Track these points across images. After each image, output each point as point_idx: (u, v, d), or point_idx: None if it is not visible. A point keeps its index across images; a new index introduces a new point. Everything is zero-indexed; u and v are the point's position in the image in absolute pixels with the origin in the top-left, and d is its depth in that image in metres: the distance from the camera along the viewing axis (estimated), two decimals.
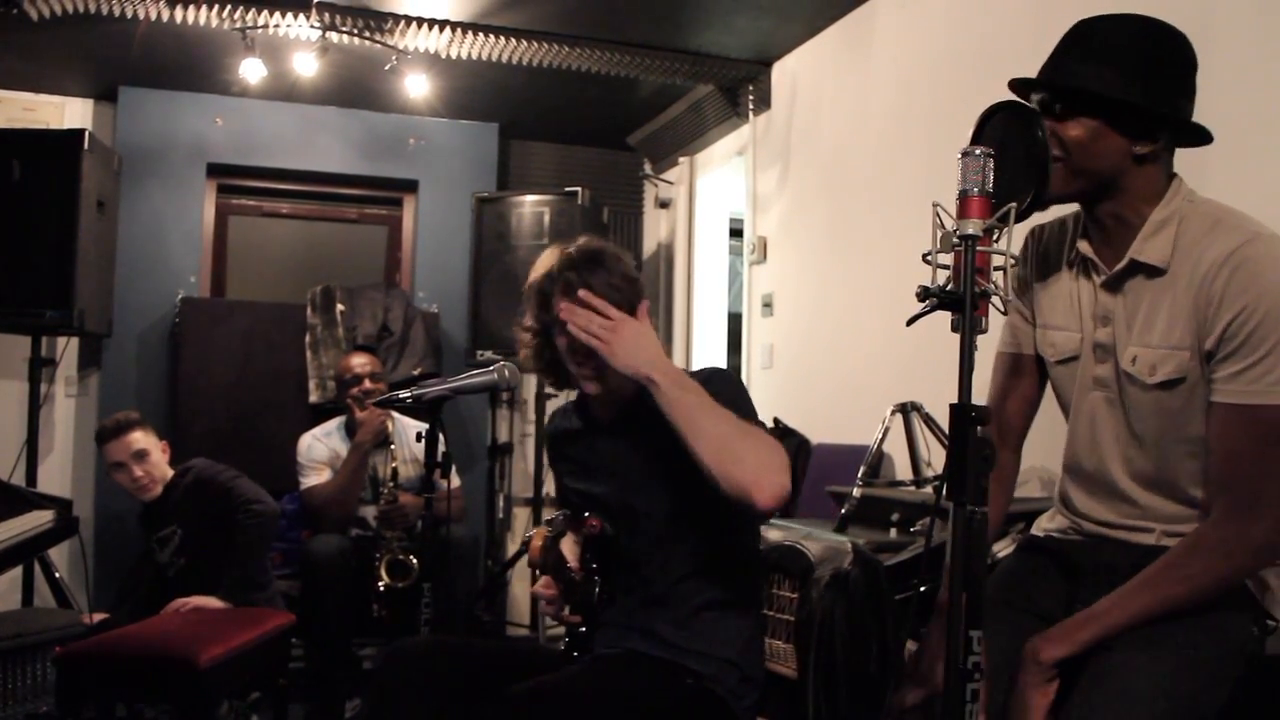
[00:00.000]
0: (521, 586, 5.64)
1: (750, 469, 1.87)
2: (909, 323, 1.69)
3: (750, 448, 1.91)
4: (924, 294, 1.63)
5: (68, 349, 5.50)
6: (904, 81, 4.10)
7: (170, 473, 3.99)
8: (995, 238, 1.65)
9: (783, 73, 4.99)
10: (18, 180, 4.64)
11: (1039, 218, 1.87)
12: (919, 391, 3.59)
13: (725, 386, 2.04)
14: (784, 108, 4.96)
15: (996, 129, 1.80)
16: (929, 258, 1.66)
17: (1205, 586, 1.71)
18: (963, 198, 1.61)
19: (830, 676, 2.10)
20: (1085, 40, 1.86)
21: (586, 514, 2.17)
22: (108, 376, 5.47)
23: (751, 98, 5.13)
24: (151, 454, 3.94)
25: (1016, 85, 1.92)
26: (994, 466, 1.55)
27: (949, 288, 1.62)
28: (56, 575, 4.78)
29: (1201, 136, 1.87)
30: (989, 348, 1.97)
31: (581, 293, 2.04)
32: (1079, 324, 1.92)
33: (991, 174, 1.60)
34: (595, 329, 1.99)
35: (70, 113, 5.67)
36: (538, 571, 1.97)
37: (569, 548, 2.02)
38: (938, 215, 1.65)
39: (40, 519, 3.50)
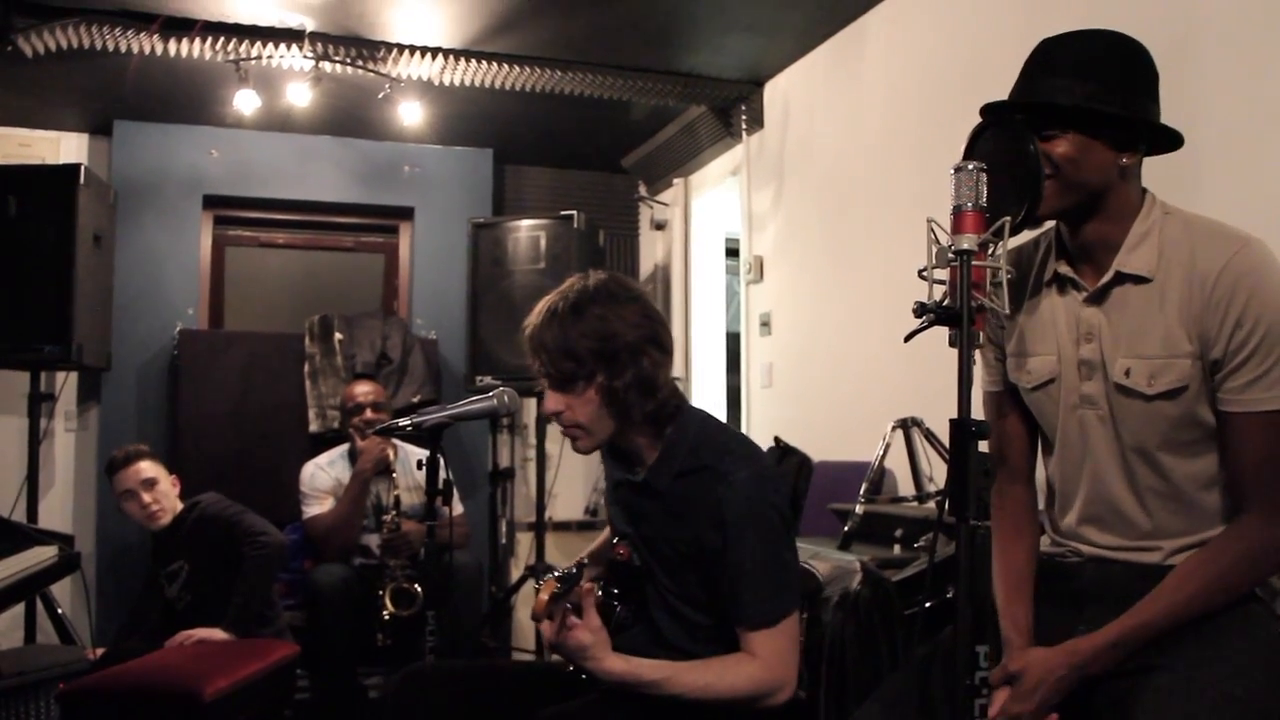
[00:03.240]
0: (526, 611, 5.62)
1: (742, 697, 1.98)
2: (907, 339, 1.70)
3: (733, 685, 1.98)
4: (920, 310, 1.64)
5: (66, 384, 5.50)
6: (895, 98, 4.12)
7: (179, 505, 4.01)
8: (990, 251, 1.66)
9: (775, 91, 5.01)
10: (14, 216, 4.65)
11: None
12: (919, 407, 3.59)
13: (753, 542, 2.02)
14: (777, 127, 4.97)
15: (988, 144, 1.81)
16: (924, 273, 1.67)
17: (1235, 587, 1.72)
18: (957, 213, 1.62)
19: (841, 696, 2.10)
20: (1056, 58, 1.87)
21: (616, 540, 2.18)
22: (107, 410, 5.46)
23: (744, 117, 5.15)
24: (160, 483, 3.97)
25: (993, 109, 1.91)
26: (994, 482, 1.55)
27: (945, 303, 1.63)
28: (59, 611, 4.76)
29: (1174, 141, 1.89)
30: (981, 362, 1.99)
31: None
32: (1056, 346, 1.91)
33: (985, 189, 1.61)
34: (548, 643, 2.02)
35: (65, 148, 5.69)
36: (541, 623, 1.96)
37: (589, 588, 2.00)
38: (932, 231, 1.66)
39: (42, 555, 3.49)
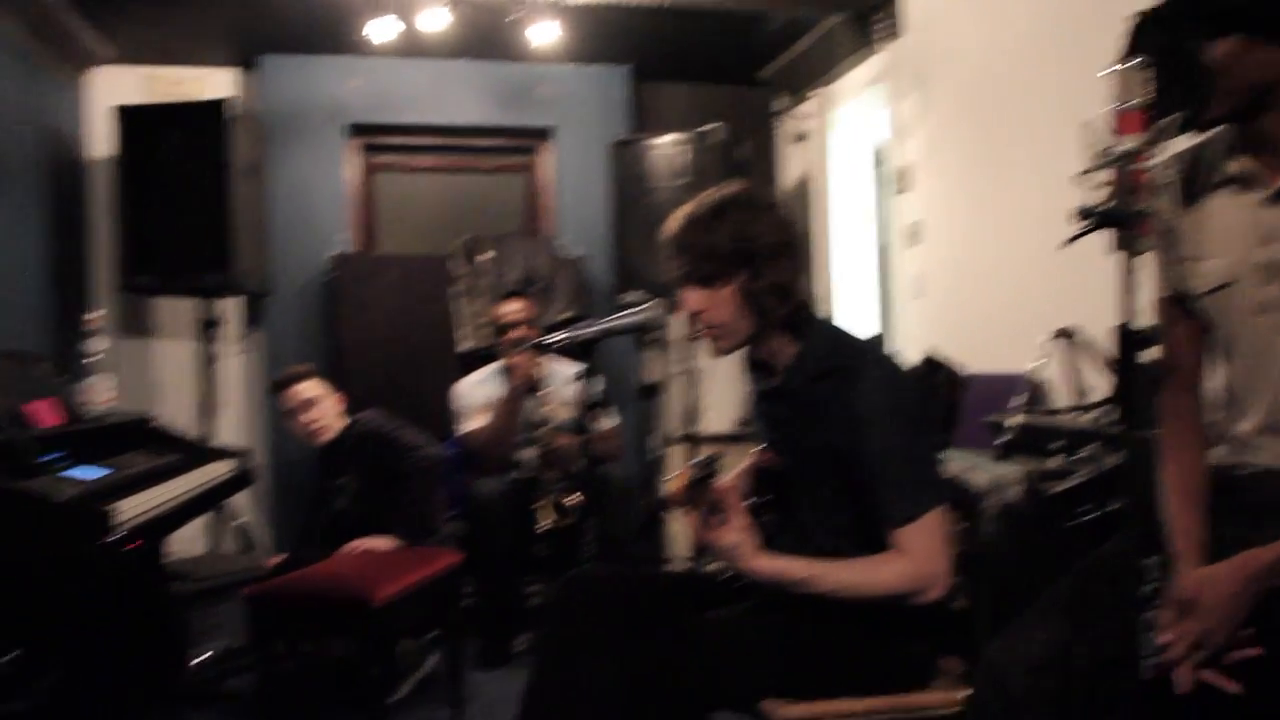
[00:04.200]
0: (679, 525, 5.72)
1: (892, 594, 2.01)
2: (1066, 244, 1.67)
3: (882, 581, 2.02)
4: (1082, 214, 1.61)
5: (232, 309, 5.75)
6: None
7: (342, 422, 4.18)
8: (1155, 152, 1.61)
9: None
10: (174, 152, 4.86)
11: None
12: (1078, 315, 3.51)
13: (891, 433, 2.04)
14: (919, 31, 4.84)
15: (1148, 41, 1.74)
16: (1084, 176, 1.64)
17: None
18: (1118, 112, 1.58)
19: (999, 609, 2.10)
20: None
21: (763, 447, 2.22)
22: (271, 333, 5.70)
23: (884, 24, 5.02)
24: (322, 401, 4.13)
25: (1144, 19, 1.83)
26: (1161, 390, 1.52)
27: (1108, 206, 1.60)
28: (239, 521, 5.05)
29: None
30: (1148, 268, 1.93)
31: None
32: (1232, 248, 1.82)
33: (1149, 86, 1.56)
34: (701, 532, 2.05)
35: (215, 84, 5.85)
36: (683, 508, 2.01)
37: (731, 484, 2.05)
38: (1089, 134, 1.62)
39: (220, 469, 3.68)
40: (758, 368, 2.29)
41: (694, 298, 2.15)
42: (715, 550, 2.03)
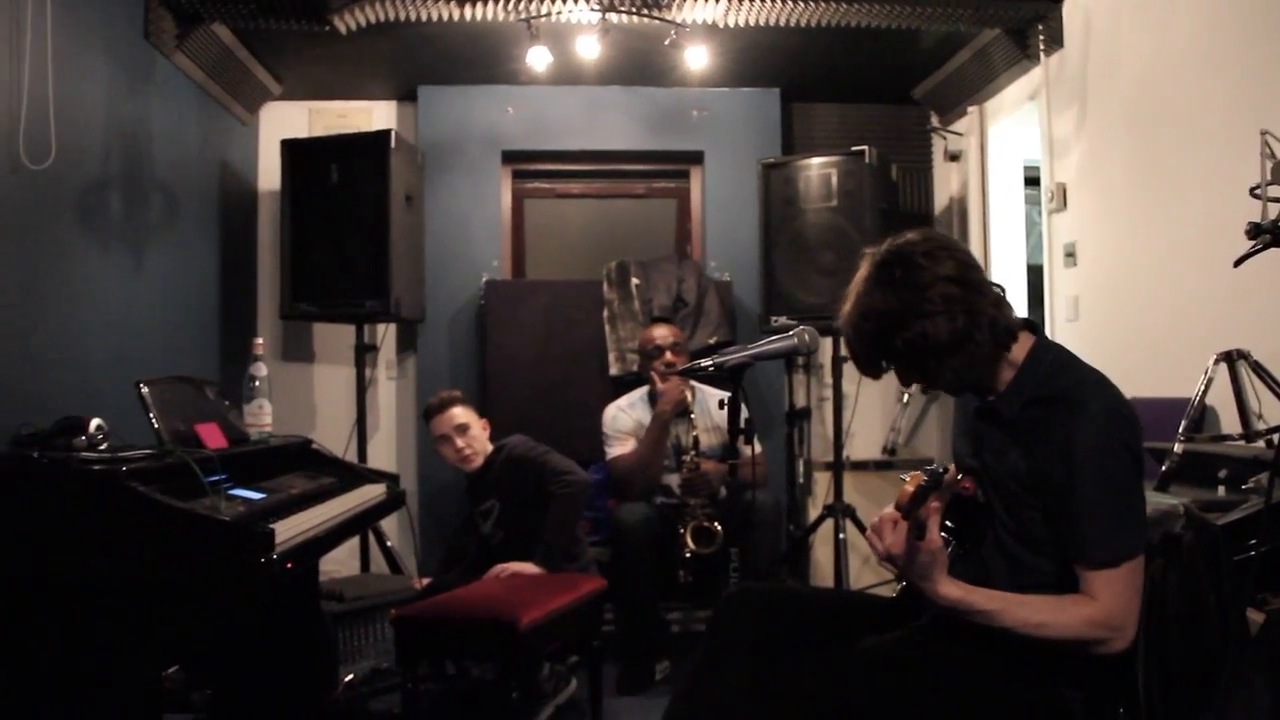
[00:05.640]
0: (824, 550, 5.63)
1: (1076, 638, 1.93)
2: (1238, 263, 1.58)
3: (1068, 624, 1.93)
4: (1254, 231, 1.52)
5: (387, 335, 5.90)
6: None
7: (490, 447, 4.24)
8: None
9: (1075, 6, 4.71)
10: (335, 183, 5.01)
11: None
12: (1244, 338, 3.32)
13: (1100, 477, 1.96)
14: (1078, 44, 4.68)
15: None
16: (1257, 192, 1.54)
17: None
18: None
19: (1163, 649, 1.98)
20: None
21: (961, 475, 2.15)
22: (423, 358, 5.82)
23: (1042, 38, 4.87)
24: (472, 428, 4.21)
25: None
26: None
27: None
28: (388, 544, 5.16)
29: None
30: None
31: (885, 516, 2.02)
32: None
33: None
34: (886, 551, 1.99)
35: (377, 115, 6.06)
36: (900, 516, 1.94)
37: (933, 517, 1.98)
38: (1266, 144, 1.52)
39: (374, 492, 3.74)
40: (973, 386, 2.23)
41: (921, 385, 2.15)
42: (905, 566, 1.97)
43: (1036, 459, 2.03)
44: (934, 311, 2.00)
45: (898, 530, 1.96)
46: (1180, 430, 3.13)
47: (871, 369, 2.13)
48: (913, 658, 2.08)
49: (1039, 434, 2.03)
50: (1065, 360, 2.14)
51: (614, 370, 5.39)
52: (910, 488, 1.88)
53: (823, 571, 5.75)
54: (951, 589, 1.96)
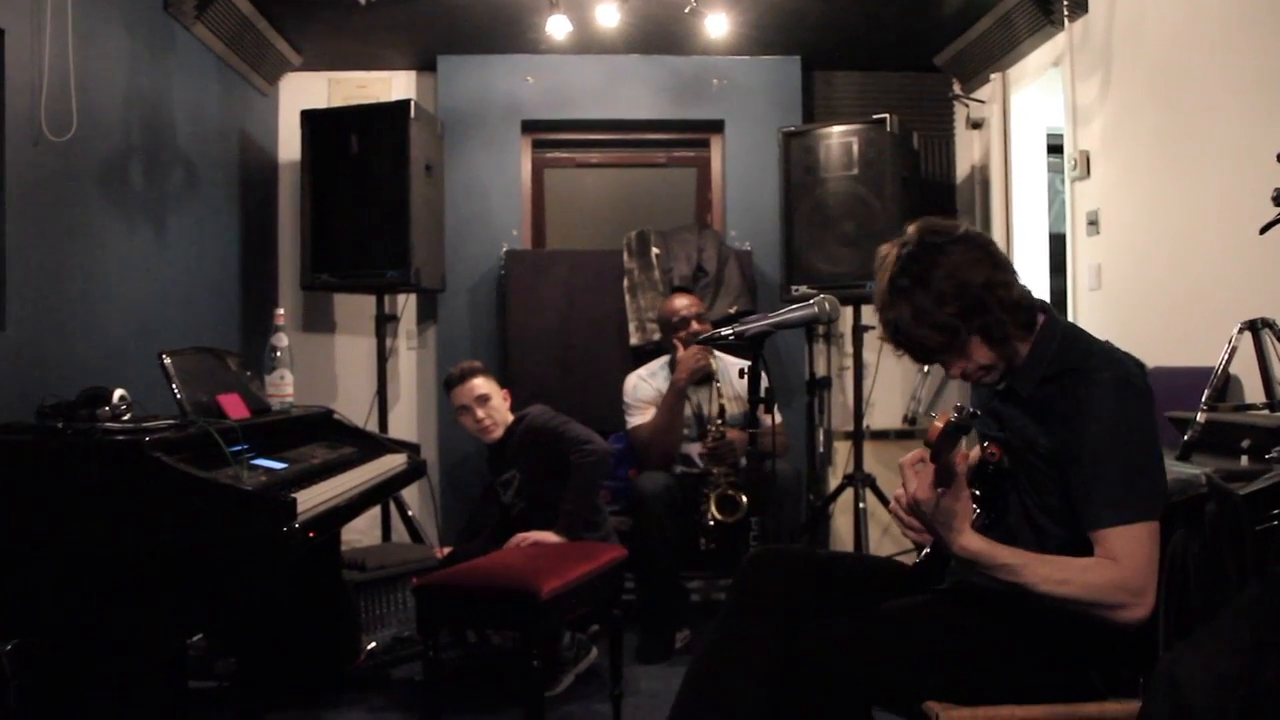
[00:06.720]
0: (844, 519, 5.64)
1: (1096, 600, 1.92)
2: (1263, 230, 1.56)
3: (1089, 583, 1.92)
4: None
5: (407, 305, 5.91)
6: None
7: (510, 418, 4.25)
8: None
9: None
10: (355, 153, 5.01)
11: None
12: (1269, 307, 3.29)
13: (1111, 437, 1.98)
14: (1102, 9, 4.62)
15: None
16: None
17: None
18: None
19: (1183, 618, 1.97)
20: None
21: (988, 442, 2.16)
22: (444, 329, 5.83)
23: (1066, 3, 4.80)
24: (493, 399, 4.22)
25: None
26: None
27: None
28: (409, 513, 5.19)
29: None
30: None
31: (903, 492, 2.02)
32: None
33: None
34: (911, 497, 1.99)
35: (396, 85, 6.04)
36: (928, 455, 1.93)
37: (962, 465, 1.97)
38: None
39: (395, 462, 3.77)
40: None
41: (952, 366, 2.14)
42: (930, 514, 1.96)
43: (1054, 431, 2.05)
44: (980, 279, 2.06)
45: (922, 474, 1.96)
46: (1203, 399, 3.10)
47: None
48: (934, 621, 2.11)
49: (1054, 407, 2.05)
50: (1074, 334, 2.16)
51: (634, 340, 5.39)
52: (939, 423, 1.86)
53: (842, 541, 5.76)
54: (974, 540, 1.96)
